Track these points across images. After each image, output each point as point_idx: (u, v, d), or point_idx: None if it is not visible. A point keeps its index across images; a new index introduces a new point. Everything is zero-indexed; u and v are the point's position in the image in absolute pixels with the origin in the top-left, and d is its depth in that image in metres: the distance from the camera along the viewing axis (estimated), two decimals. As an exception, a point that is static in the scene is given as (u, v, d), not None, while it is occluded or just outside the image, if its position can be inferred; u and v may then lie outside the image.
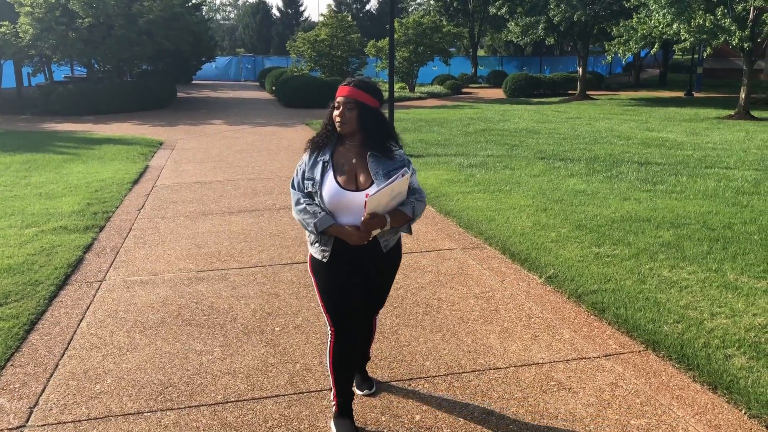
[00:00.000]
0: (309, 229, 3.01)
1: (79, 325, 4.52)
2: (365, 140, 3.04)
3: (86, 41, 21.03)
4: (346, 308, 3.10)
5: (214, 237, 6.69)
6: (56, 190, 8.92)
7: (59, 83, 23.30)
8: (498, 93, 31.67)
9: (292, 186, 3.14)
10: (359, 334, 3.22)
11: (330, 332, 3.19)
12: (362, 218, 2.90)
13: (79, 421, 3.32)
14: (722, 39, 17.90)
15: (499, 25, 39.04)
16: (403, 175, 2.90)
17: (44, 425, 3.29)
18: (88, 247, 6.33)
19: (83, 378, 3.76)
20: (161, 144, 14.02)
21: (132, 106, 21.82)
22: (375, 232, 2.98)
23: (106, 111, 20.99)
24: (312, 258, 3.17)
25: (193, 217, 7.52)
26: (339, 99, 3.03)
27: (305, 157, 3.14)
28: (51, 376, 3.79)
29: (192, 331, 4.40)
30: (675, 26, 18.52)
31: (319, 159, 3.09)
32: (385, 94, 12.22)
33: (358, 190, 3.00)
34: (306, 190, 3.06)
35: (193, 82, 40.18)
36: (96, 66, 24.60)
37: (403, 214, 3.03)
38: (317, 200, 3.03)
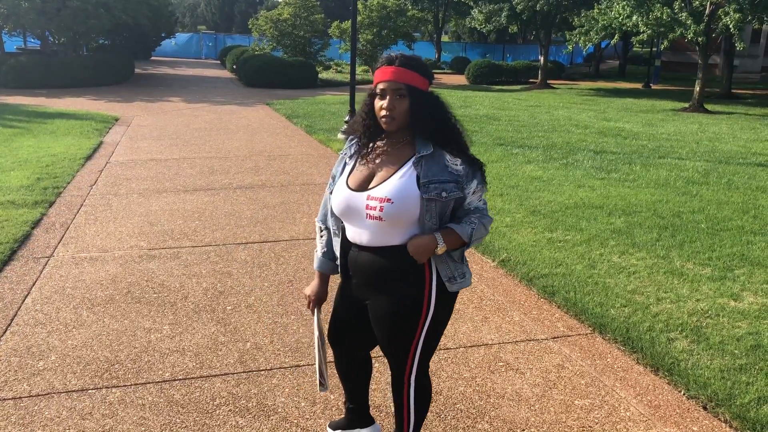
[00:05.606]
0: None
1: (23, 301, 4.41)
2: (417, 138, 2.25)
3: (40, 12, 20.33)
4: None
5: (167, 215, 6.58)
6: (4, 165, 8.65)
7: (11, 54, 22.52)
8: (461, 79, 31.77)
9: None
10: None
11: None
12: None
13: (20, 398, 3.24)
14: (678, 32, 18.28)
15: (463, 11, 39.04)
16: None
17: (-17, 402, 3.21)
18: (36, 223, 6.17)
19: (26, 355, 3.67)
20: (117, 120, 13.70)
21: (87, 80, 21.24)
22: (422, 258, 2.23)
23: (60, 85, 20.37)
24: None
25: (147, 195, 7.38)
26: (382, 85, 2.20)
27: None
28: (-8, 352, 3.69)
29: (141, 308, 4.33)
30: (634, 18, 18.84)
31: (345, 151, 2.43)
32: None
33: (365, 189, 2.26)
34: (330, 190, 2.43)
35: (152, 58, 39.31)
36: (50, 38, 23.84)
37: (456, 236, 2.23)
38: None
